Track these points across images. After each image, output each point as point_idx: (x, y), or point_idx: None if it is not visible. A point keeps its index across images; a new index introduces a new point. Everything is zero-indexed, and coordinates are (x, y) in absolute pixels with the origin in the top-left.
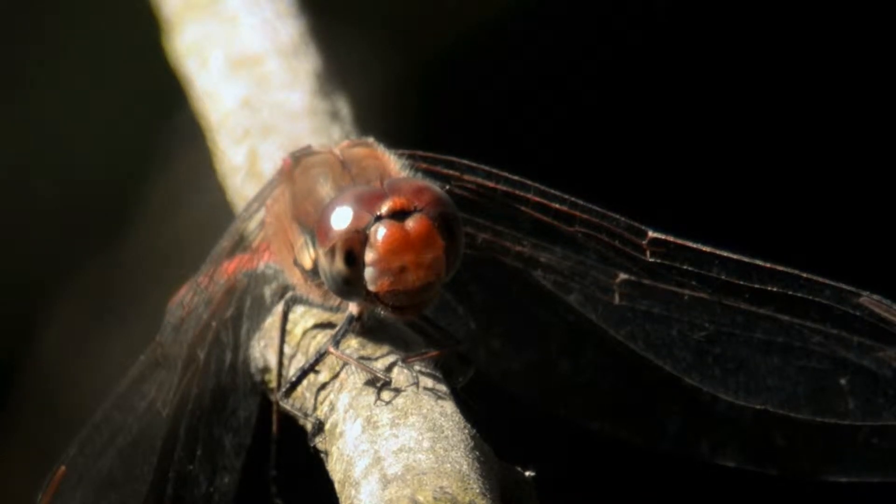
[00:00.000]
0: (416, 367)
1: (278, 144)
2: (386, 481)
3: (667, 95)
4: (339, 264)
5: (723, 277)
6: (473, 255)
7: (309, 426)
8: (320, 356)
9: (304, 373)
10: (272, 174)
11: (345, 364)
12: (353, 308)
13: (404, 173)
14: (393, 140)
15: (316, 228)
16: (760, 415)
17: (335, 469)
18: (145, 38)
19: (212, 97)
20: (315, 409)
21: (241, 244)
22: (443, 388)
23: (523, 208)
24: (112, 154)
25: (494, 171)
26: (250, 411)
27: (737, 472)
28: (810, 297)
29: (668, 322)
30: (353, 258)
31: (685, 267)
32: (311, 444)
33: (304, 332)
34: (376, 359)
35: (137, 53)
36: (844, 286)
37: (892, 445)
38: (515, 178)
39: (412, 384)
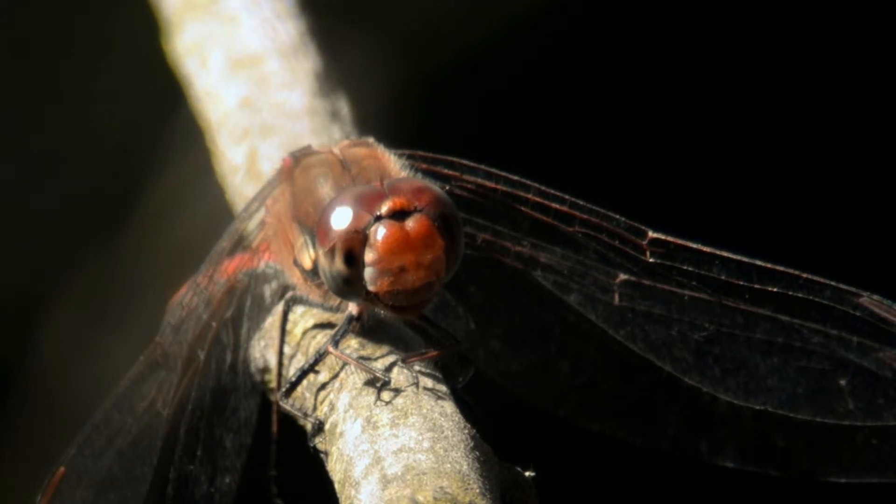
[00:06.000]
0: (416, 367)
1: (278, 144)
2: (386, 481)
3: (667, 95)
4: (339, 264)
5: (723, 278)
6: (473, 255)
7: (309, 426)
8: (320, 356)
9: (303, 373)
10: (272, 174)
11: (345, 364)
12: (352, 308)
13: (404, 173)
14: (393, 140)
15: (316, 228)
16: (760, 415)
17: (335, 469)
18: (145, 38)
19: (212, 97)
20: (315, 409)
21: (240, 244)
22: (443, 388)
23: (523, 208)
24: (112, 154)
25: (494, 171)
26: (250, 411)
27: (737, 472)
28: (810, 298)
29: (668, 322)
30: (353, 258)
31: (685, 267)
32: (311, 445)
33: (304, 332)
34: (376, 359)
35: (137, 53)
36: (844, 286)
37: (891, 446)
38: (515, 178)
39: (412, 384)
